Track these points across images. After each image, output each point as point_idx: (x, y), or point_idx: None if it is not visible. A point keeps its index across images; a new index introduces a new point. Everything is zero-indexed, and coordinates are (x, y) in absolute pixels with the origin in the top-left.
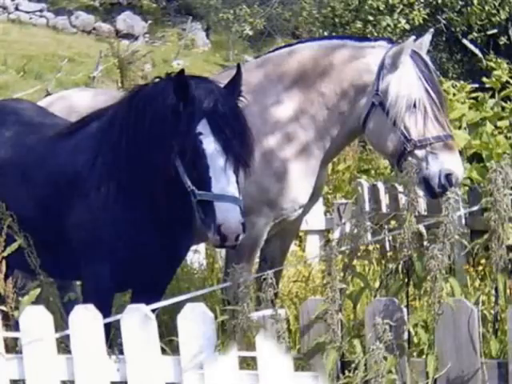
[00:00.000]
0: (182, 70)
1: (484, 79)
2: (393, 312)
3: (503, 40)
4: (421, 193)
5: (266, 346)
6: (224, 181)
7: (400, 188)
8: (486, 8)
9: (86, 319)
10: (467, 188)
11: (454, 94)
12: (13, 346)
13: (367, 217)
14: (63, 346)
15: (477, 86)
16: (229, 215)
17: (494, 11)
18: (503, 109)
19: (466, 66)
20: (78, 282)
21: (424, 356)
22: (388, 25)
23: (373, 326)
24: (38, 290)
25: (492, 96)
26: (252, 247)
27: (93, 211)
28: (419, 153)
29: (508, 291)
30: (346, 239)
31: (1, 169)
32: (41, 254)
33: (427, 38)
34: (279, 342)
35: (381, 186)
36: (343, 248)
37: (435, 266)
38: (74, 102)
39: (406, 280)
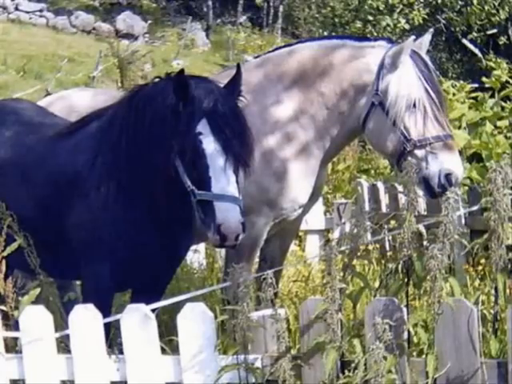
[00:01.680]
0: (182, 70)
1: (484, 79)
2: (392, 312)
3: (503, 40)
4: (420, 193)
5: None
6: (224, 181)
7: (400, 188)
8: (486, 8)
9: (85, 319)
10: (467, 188)
11: (454, 94)
12: (13, 346)
13: (367, 217)
14: (63, 345)
15: (476, 85)
16: (228, 215)
17: (494, 11)
18: (503, 109)
19: (465, 65)
20: (78, 282)
21: (424, 356)
22: (388, 25)
23: (372, 326)
24: (38, 290)
25: (492, 96)
26: (252, 247)
27: (93, 211)
28: (419, 153)
29: (508, 291)
30: (345, 239)
31: (1, 169)
32: (41, 253)
33: (427, 37)
34: (279, 341)
35: (381, 185)
36: (343, 248)
37: (435, 266)
38: (74, 102)
39: (406, 280)
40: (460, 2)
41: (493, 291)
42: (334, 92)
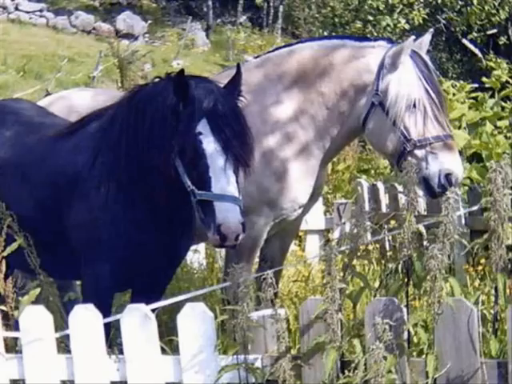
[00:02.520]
0: (182, 70)
1: (484, 79)
2: (392, 312)
3: (503, 40)
4: (420, 193)
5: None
6: (224, 181)
7: (400, 188)
8: (486, 8)
9: (86, 319)
10: (467, 188)
11: (454, 94)
12: (13, 346)
13: (367, 217)
14: (63, 345)
15: (476, 85)
16: (228, 215)
17: (494, 11)
18: (503, 109)
19: (465, 65)
20: (78, 282)
21: (424, 356)
22: (388, 25)
23: (372, 326)
24: (38, 290)
25: (492, 96)
26: (252, 247)
27: (93, 211)
28: (419, 153)
29: (508, 291)
30: (345, 239)
31: (0, 169)
32: (41, 253)
33: (427, 37)
34: (279, 341)
35: (380, 185)
36: (343, 248)
37: (435, 266)
38: (74, 102)
39: (406, 280)
40: (460, 2)
41: (493, 291)
42: (334, 92)
